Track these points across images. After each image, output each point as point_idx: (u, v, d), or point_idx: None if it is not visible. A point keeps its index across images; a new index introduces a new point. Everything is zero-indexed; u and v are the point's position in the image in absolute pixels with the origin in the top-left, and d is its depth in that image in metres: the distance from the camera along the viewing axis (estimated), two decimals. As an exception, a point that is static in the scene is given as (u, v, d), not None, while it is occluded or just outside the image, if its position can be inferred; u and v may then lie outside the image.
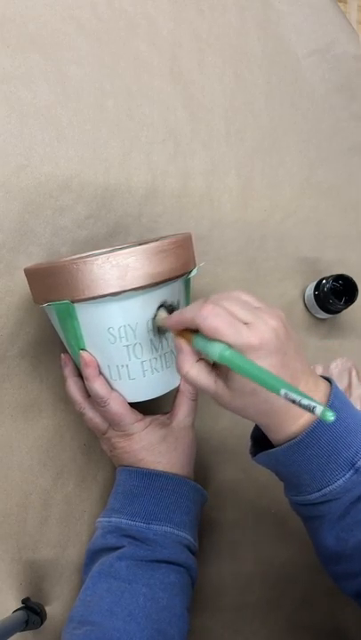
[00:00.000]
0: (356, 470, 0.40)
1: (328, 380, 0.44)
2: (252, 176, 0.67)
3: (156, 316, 0.47)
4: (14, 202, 0.55)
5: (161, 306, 0.46)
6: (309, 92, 0.71)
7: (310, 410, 0.33)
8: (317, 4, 0.72)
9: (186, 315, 0.41)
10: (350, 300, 0.64)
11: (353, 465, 0.40)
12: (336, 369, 0.69)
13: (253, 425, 0.49)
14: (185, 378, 0.42)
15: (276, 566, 0.62)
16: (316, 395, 0.42)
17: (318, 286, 0.66)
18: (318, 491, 0.41)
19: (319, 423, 0.40)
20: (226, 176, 0.65)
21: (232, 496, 0.62)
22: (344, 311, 0.66)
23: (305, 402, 0.33)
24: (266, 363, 0.38)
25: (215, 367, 0.42)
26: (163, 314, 0.46)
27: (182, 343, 0.42)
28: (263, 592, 0.61)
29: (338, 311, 0.66)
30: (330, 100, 0.72)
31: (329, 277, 0.64)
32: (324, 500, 0.42)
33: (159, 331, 0.47)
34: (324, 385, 0.43)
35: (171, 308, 0.47)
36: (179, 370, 0.42)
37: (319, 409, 0.33)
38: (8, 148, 0.55)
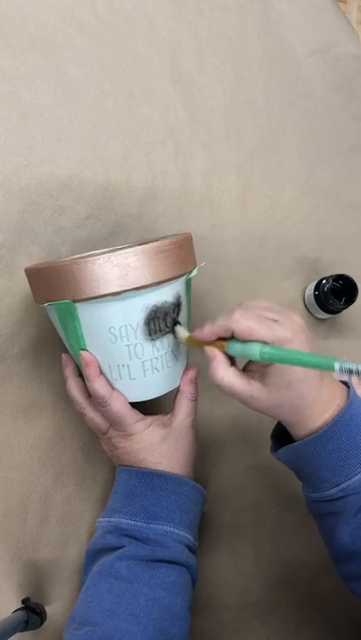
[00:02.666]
0: None
1: (343, 381, 0.48)
2: (252, 176, 0.67)
3: (175, 333, 0.48)
4: (14, 202, 0.54)
5: (176, 323, 0.48)
6: (309, 92, 0.71)
7: None
8: (317, 4, 0.72)
9: (219, 323, 0.43)
10: (350, 299, 0.64)
11: None
12: (336, 369, 0.69)
13: (254, 424, 0.50)
14: (221, 384, 0.44)
15: (277, 566, 0.62)
16: (337, 391, 0.45)
17: (318, 286, 0.66)
18: (337, 486, 0.43)
19: (341, 418, 0.43)
20: (226, 176, 0.65)
21: (232, 496, 0.62)
22: (344, 311, 0.66)
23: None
24: (300, 349, 0.41)
25: (246, 371, 0.46)
26: (183, 332, 0.48)
27: (215, 351, 0.45)
28: (263, 592, 0.61)
29: (338, 311, 0.66)
30: (330, 100, 0.72)
31: (329, 277, 0.64)
32: (341, 496, 0.43)
33: (152, 333, 0.47)
34: (341, 387, 0.46)
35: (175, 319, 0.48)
36: (213, 377, 0.44)
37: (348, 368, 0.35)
38: (8, 148, 0.55)
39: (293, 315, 0.44)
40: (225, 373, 0.44)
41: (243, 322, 0.41)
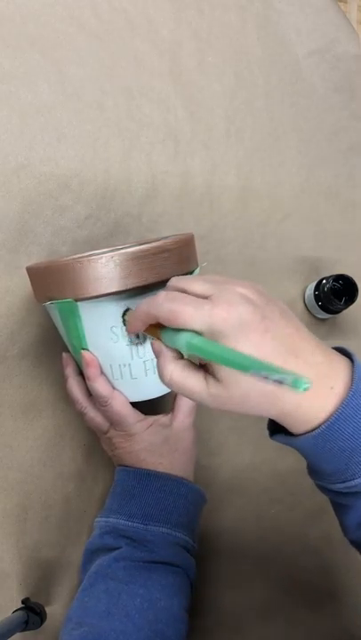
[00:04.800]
0: None
1: (349, 355, 0.37)
2: (252, 176, 0.67)
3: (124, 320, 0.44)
4: (14, 202, 0.54)
5: (126, 310, 0.45)
6: (309, 92, 0.71)
7: (282, 383, 0.27)
8: (317, 4, 0.72)
9: (141, 308, 0.35)
10: (350, 299, 0.64)
11: None
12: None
13: (254, 423, 0.48)
14: (169, 384, 0.36)
15: (277, 566, 0.62)
16: (334, 369, 0.34)
17: (318, 286, 0.66)
18: (342, 482, 0.37)
19: (341, 415, 0.33)
20: (226, 176, 0.65)
21: (232, 497, 0.62)
22: (344, 311, 0.66)
23: (276, 376, 0.28)
24: (244, 336, 0.32)
25: (203, 365, 0.36)
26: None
27: (160, 344, 0.37)
28: (263, 592, 0.61)
29: (338, 311, 0.66)
30: (330, 99, 0.72)
31: (329, 277, 0.64)
32: (348, 492, 0.37)
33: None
34: (342, 363, 0.35)
35: None
36: (160, 376, 0.37)
37: (289, 379, 0.27)
38: (8, 148, 0.55)
39: (240, 284, 0.34)
40: (173, 369, 0.35)
41: (165, 305, 0.33)
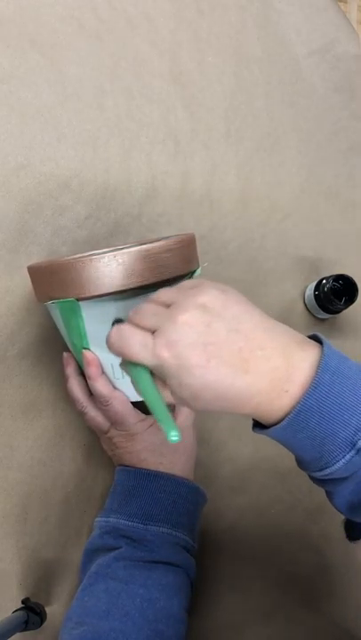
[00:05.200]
0: (358, 451, 0.35)
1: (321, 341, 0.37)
2: (252, 176, 0.67)
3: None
4: (14, 202, 0.54)
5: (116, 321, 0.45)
6: (309, 92, 0.71)
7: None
8: (317, 4, 0.72)
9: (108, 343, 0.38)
10: (350, 299, 0.64)
11: (353, 445, 0.35)
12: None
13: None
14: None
15: (277, 566, 0.62)
16: (290, 376, 0.34)
17: (318, 286, 0.66)
18: (320, 470, 0.37)
19: (305, 405, 0.34)
20: (226, 176, 0.65)
21: (232, 496, 0.62)
22: (344, 311, 0.66)
23: (160, 424, 0.33)
24: (186, 372, 0.33)
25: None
26: None
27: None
28: (263, 592, 0.61)
29: (338, 311, 0.66)
30: (330, 100, 0.72)
31: (329, 277, 0.64)
32: (328, 479, 0.38)
33: None
34: (306, 361, 0.35)
35: None
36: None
37: (165, 430, 0.33)
38: (8, 147, 0.55)
39: (184, 308, 0.34)
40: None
41: (116, 345, 0.36)
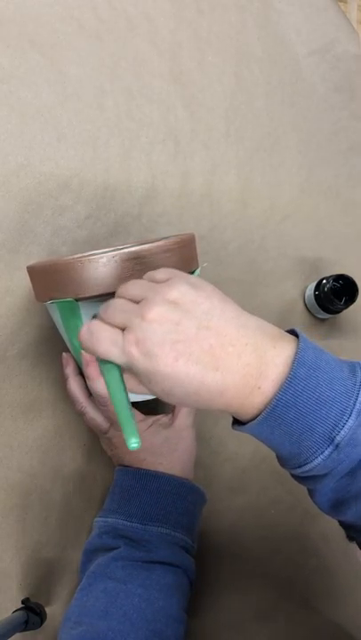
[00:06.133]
0: (336, 446, 0.34)
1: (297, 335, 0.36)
2: (252, 176, 0.67)
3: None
4: (14, 202, 0.54)
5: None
6: (309, 92, 0.71)
7: None
8: (317, 4, 0.72)
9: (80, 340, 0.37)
10: (350, 299, 0.64)
11: (332, 441, 0.34)
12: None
13: None
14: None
15: (277, 566, 0.62)
16: (262, 373, 0.34)
17: (318, 286, 0.66)
18: (299, 467, 0.36)
19: (280, 400, 0.33)
20: (226, 176, 0.65)
21: (232, 496, 0.62)
22: (344, 311, 0.66)
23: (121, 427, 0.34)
24: (155, 371, 0.33)
25: None
26: None
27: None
28: (263, 592, 0.61)
29: (338, 311, 0.66)
30: (330, 99, 0.72)
31: (329, 277, 0.64)
32: (308, 476, 0.37)
33: None
34: (280, 357, 0.34)
35: None
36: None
37: (125, 436, 0.33)
38: (8, 147, 0.55)
39: (153, 304, 0.34)
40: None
41: (87, 343, 0.35)
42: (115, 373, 0.36)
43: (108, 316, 0.36)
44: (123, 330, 0.34)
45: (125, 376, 0.37)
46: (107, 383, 0.36)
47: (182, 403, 0.35)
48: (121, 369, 0.36)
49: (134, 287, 0.37)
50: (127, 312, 0.35)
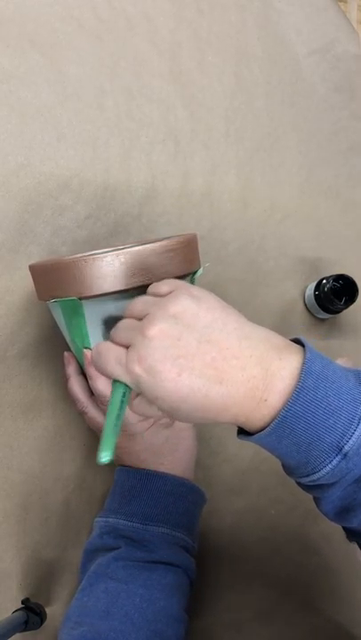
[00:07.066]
0: (345, 456, 0.33)
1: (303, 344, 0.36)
2: (252, 176, 0.67)
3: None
4: (14, 202, 0.54)
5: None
6: (309, 92, 0.71)
7: None
8: (317, 4, 0.72)
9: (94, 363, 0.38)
10: (350, 299, 0.64)
11: (340, 450, 0.33)
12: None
13: None
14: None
15: (277, 566, 0.62)
16: (268, 385, 0.34)
17: (318, 286, 0.66)
18: (306, 476, 0.36)
19: (289, 411, 0.33)
20: (226, 176, 0.65)
21: (232, 497, 0.62)
22: (344, 311, 0.66)
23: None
24: (160, 388, 0.33)
25: None
26: None
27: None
28: (263, 592, 0.61)
29: (338, 311, 0.66)
30: (330, 99, 0.72)
31: (329, 277, 0.64)
32: (315, 485, 0.37)
33: None
34: (291, 361, 0.34)
35: None
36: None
37: (99, 449, 0.33)
38: (8, 147, 0.55)
39: (152, 322, 0.34)
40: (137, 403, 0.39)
41: (97, 365, 0.36)
42: (119, 390, 0.36)
43: (115, 335, 0.37)
44: (128, 348, 0.35)
45: (138, 399, 0.38)
46: (110, 399, 0.36)
47: (190, 419, 0.35)
48: (129, 390, 0.36)
49: (138, 304, 0.37)
50: (131, 330, 0.35)
